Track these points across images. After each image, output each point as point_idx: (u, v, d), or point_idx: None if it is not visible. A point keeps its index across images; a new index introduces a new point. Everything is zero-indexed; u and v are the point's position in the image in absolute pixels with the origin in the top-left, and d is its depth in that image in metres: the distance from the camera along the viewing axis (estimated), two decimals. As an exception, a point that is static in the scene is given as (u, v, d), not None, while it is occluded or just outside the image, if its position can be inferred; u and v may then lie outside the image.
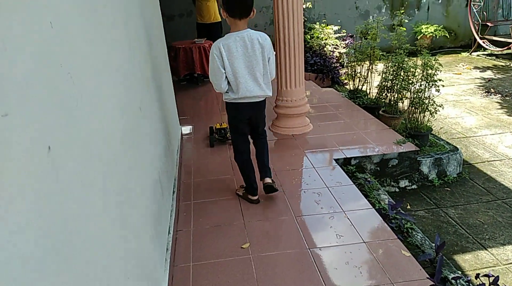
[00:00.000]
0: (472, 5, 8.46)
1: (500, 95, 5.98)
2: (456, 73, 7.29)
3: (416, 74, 3.85)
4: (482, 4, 8.38)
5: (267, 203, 2.79)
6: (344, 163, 3.52)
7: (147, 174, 1.81)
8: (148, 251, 1.60)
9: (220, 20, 7.05)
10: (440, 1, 9.11)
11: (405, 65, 4.07)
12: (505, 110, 5.39)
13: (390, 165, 3.60)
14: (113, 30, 1.51)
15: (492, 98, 5.91)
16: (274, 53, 2.80)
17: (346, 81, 6.32)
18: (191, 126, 4.52)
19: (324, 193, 2.89)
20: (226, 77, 2.38)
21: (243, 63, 2.35)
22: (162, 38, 3.64)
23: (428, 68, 3.70)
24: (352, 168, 3.49)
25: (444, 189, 3.65)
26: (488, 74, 7.19)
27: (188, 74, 6.20)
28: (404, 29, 4.53)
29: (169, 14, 8.42)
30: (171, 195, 2.61)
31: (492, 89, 6.23)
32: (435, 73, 3.69)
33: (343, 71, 7.03)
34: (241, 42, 2.32)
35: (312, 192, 2.92)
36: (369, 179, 3.22)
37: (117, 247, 1.18)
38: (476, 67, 7.70)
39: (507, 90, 6.19)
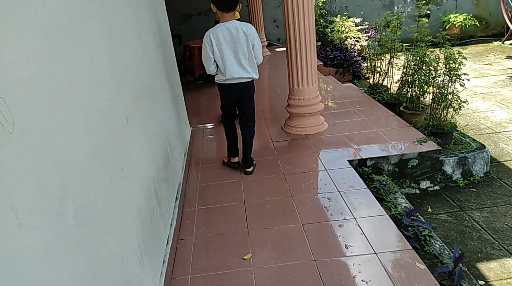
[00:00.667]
0: (505, -10, 7.93)
1: (535, 86, 5.56)
2: (486, 64, 6.86)
3: (439, 68, 3.59)
4: (515, -12, 7.83)
5: (273, 209, 2.67)
6: (359, 165, 3.34)
7: (134, 192, 1.72)
8: (134, 273, 1.52)
9: (239, 17, 6.97)
10: (469, -12, 8.61)
11: (426, 58, 3.82)
12: (541, 102, 5.00)
13: (410, 166, 3.39)
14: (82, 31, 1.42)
15: (526, 89, 5.50)
16: (261, 40, 3.08)
17: (367, 75, 6.07)
18: (203, 126, 4.45)
19: (335, 198, 2.73)
20: (215, 61, 2.79)
21: (229, 49, 2.75)
22: (168, 41, 3.56)
23: (451, 61, 3.44)
24: (368, 169, 3.30)
25: (469, 190, 3.40)
26: (523, 63, 6.72)
27: (204, 73, 6.13)
28: (426, 20, 4.26)
29: (186, 12, 8.41)
30: (172, 203, 2.54)
31: (526, 80, 5.81)
32: (459, 67, 3.42)
33: (365, 64, 6.76)
34: (227, 31, 2.72)
35: (322, 197, 2.77)
36: (384, 182, 3.03)
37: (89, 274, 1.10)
38: (508, 57, 7.22)
39: (543, 81, 5.76)
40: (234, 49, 2.76)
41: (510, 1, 7.91)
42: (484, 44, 8.37)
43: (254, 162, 3.28)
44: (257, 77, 2.95)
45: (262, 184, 3.04)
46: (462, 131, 4.18)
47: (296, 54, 3.76)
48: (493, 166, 3.67)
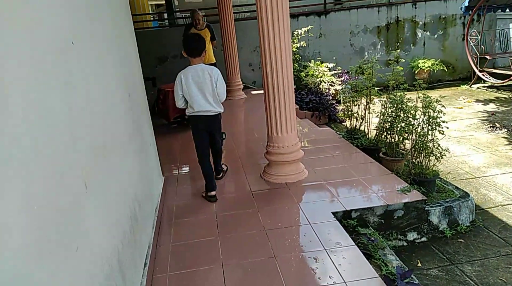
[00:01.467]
0: (469, 39, 8.37)
1: (506, 130, 5.68)
2: (457, 107, 7.05)
3: (417, 116, 3.57)
4: (479, 38, 8.28)
5: (255, 273, 2.41)
6: (344, 217, 3.16)
7: (91, 273, 1.46)
8: None
9: (215, 61, 6.95)
10: (436, 36, 9.05)
11: (404, 106, 3.81)
12: (514, 146, 5.07)
13: (396, 217, 3.24)
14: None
15: (498, 133, 5.61)
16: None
17: (343, 118, 6.07)
18: (177, 173, 4.20)
19: (322, 258, 2.52)
20: (183, 96, 3.29)
21: (196, 87, 3.24)
22: (141, 87, 3.39)
23: (430, 110, 3.42)
24: (353, 222, 3.13)
25: (457, 240, 3.26)
26: (491, 107, 6.94)
27: (178, 116, 5.96)
28: (401, 68, 4.31)
29: (162, 55, 8.36)
30: (140, 270, 2.25)
31: (497, 124, 5.95)
32: (439, 115, 3.41)
33: (340, 107, 6.80)
34: (195, 73, 3.23)
35: (308, 257, 2.55)
36: (372, 238, 2.85)
37: None
38: (477, 100, 7.47)
39: (513, 124, 5.91)
40: (200, 87, 3.25)
41: (474, 47, 8.34)
42: (453, 88, 8.69)
43: (225, 168, 4.04)
44: (221, 111, 3.44)
45: (242, 241, 2.79)
46: (443, 176, 4.13)
47: (275, 101, 3.66)
48: (478, 214, 3.58)
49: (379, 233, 3.22)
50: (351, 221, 3.13)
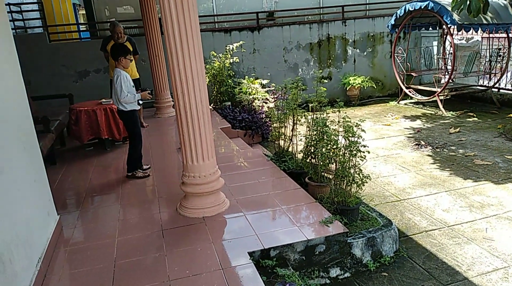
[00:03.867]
0: (396, 56, 8.67)
1: (431, 148, 5.81)
2: (385, 124, 7.18)
3: (339, 143, 3.41)
4: (405, 55, 8.60)
5: None
6: (262, 256, 2.87)
7: None
8: None
9: (138, 77, 6.47)
10: (365, 53, 9.29)
11: (327, 129, 3.65)
12: (438, 164, 5.16)
13: (317, 252, 3.01)
14: None
15: (423, 151, 5.72)
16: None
17: (274, 139, 5.88)
18: (78, 209, 3.68)
19: (228, 315, 2.18)
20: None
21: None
22: (19, 111, 2.86)
23: (350, 134, 3.27)
24: (271, 262, 2.84)
25: (381, 274, 3.10)
26: (417, 123, 7.15)
27: (94, 138, 5.39)
28: (325, 89, 4.18)
29: (83, 69, 7.68)
30: None
31: (422, 141, 6.08)
32: (358, 140, 3.26)
33: (274, 125, 6.63)
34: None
35: (212, 315, 2.20)
36: (288, 284, 2.57)
37: None
38: (404, 116, 7.68)
39: (437, 141, 6.08)
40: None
41: (400, 64, 8.64)
42: (382, 104, 8.92)
43: (138, 174, 4.40)
44: (123, 108, 4.19)
45: (139, 298, 2.38)
46: (368, 201, 4.02)
47: (188, 127, 3.31)
48: (402, 242, 3.47)
49: (301, 272, 2.97)
50: (269, 261, 2.84)
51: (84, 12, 13.32)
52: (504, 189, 4.33)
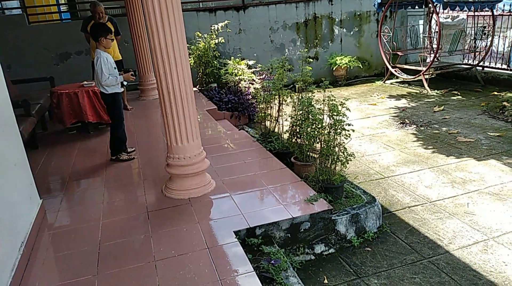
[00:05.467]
0: (382, 35, 8.63)
1: (415, 126, 5.87)
2: (371, 104, 7.20)
3: (324, 123, 3.41)
4: (391, 34, 8.57)
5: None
6: (248, 235, 2.90)
7: None
8: None
9: (121, 58, 6.33)
10: (352, 33, 9.23)
11: (312, 108, 3.64)
12: (421, 142, 5.22)
13: (302, 230, 3.05)
14: None
15: (407, 129, 5.77)
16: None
17: (260, 120, 5.86)
18: (62, 193, 3.64)
19: (214, 292, 2.21)
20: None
21: None
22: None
23: (334, 113, 3.27)
24: (257, 240, 2.87)
25: (364, 249, 3.16)
26: (403, 102, 7.20)
27: (77, 121, 5.30)
28: (310, 68, 4.15)
29: (64, 51, 7.48)
30: None
31: (406, 120, 6.13)
32: (343, 119, 3.27)
33: (260, 106, 6.60)
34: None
35: (198, 293, 2.22)
36: (273, 260, 2.61)
37: None
38: (390, 96, 7.72)
39: (421, 120, 6.13)
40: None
41: (387, 44, 8.62)
42: (368, 84, 8.93)
43: (122, 157, 4.35)
44: (104, 91, 4.13)
45: (124, 279, 2.39)
46: (353, 179, 4.06)
47: (172, 108, 3.27)
48: (385, 218, 3.53)
49: (286, 249, 3.01)
50: (255, 240, 2.87)
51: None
52: (486, 165, 4.42)
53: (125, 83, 4.27)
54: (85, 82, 5.41)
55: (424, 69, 7.78)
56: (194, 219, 3.04)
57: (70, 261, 2.61)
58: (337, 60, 8.65)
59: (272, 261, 2.57)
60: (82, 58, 7.53)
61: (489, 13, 7.68)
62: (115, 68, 4.17)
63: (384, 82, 8.83)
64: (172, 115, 3.27)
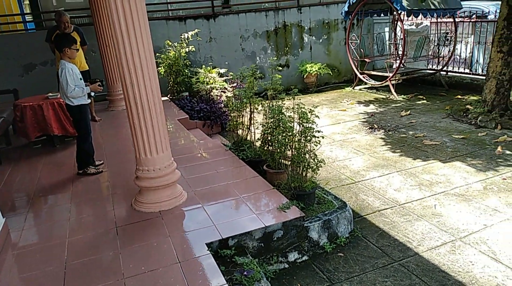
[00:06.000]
0: (350, 43, 8.83)
1: (383, 130, 6.02)
2: (341, 110, 7.34)
3: (294, 130, 3.44)
4: (358, 42, 8.79)
5: None
6: (220, 246, 2.86)
7: None
8: None
9: (88, 68, 6.18)
10: (321, 41, 9.40)
11: (282, 116, 3.67)
12: (389, 146, 5.36)
13: (275, 238, 3.05)
14: None
15: (376, 134, 5.91)
16: (63, 76, 3.93)
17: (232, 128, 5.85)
18: (26, 211, 3.49)
19: (185, 308, 2.16)
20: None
21: None
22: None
23: (304, 120, 3.31)
24: (230, 251, 2.84)
25: (337, 255, 3.19)
26: (371, 108, 7.37)
27: (42, 135, 5.12)
28: (280, 76, 4.19)
29: (28, 62, 7.23)
30: None
31: (375, 125, 6.28)
32: (312, 126, 3.31)
33: (232, 114, 6.59)
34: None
35: (168, 309, 2.17)
36: (246, 271, 2.59)
37: None
38: (359, 102, 7.89)
39: (389, 124, 6.30)
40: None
41: (355, 51, 8.83)
42: (338, 90, 9.10)
43: (90, 171, 4.24)
44: (70, 103, 4.03)
45: (92, 298, 2.31)
46: (324, 185, 4.11)
47: (139, 118, 3.21)
48: (356, 222, 3.59)
49: (259, 259, 3.00)
50: (227, 251, 2.84)
51: (28, 2, 12.47)
52: (451, 167, 4.58)
53: (92, 94, 4.16)
54: (50, 94, 5.24)
55: (391, 75, 8.01)
56: (165, 232, 2.98)
57: (35, 283, 2.49)
58: (307, 67, 8.78)
59: (245, 272, 2.55)
60: (47, 69, 7.30)
61: (451, 20, 8.01)
62: (81, 79, 4.06)
63: (353, 88, 9.03)
64: (140, 126, 3.21)
